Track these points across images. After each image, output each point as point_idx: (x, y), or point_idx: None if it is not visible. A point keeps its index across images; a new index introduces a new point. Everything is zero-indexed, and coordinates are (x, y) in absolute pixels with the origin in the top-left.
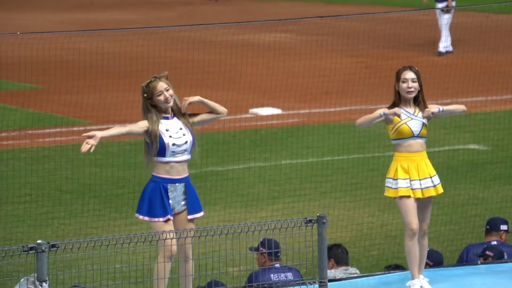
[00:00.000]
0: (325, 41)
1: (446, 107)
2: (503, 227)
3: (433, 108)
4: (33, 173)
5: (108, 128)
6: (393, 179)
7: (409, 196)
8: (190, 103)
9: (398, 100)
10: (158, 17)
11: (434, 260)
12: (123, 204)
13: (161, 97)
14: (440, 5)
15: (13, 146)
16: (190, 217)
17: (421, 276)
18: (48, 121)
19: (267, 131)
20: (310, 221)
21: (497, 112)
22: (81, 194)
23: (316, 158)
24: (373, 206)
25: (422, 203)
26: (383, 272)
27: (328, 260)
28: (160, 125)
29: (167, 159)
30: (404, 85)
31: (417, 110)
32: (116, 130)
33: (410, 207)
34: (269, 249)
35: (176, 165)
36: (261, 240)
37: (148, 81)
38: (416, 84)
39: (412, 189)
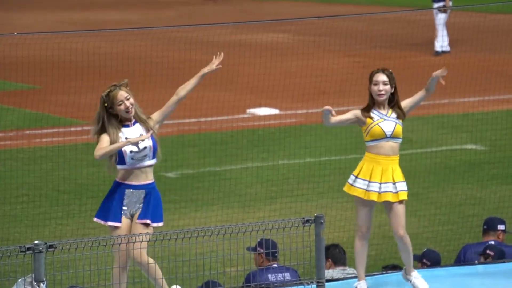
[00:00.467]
0: (323, 41)
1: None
2: (501, 227)
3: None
4: (31, 173)
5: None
6: (355, 177)
7: (362, 199)
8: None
9: (371, 102)
10: (156, 17)
11: (432, 260)
12: None
13: (122, 107)
14: (437, 5)
15: (11, 146)
16: (138, 221)
17: (414, 273)
18: (46, 122)
19: (265, 131)
20: (307, 221)
21: (495, 112)
22: (78, 195)
23: (313, 158)
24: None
25: (393, 209)
26: (380, 272)
27: (325, 260)
28: (120, 134)
29: (127, 166)
30: (375, 87)
31: (390, 111)
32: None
33: (364, 209)
34: (267, 249)
35: (136, 172)
36: (259, 240)
37: (108, 90)
38: (387, 87)
39: (368, 191)
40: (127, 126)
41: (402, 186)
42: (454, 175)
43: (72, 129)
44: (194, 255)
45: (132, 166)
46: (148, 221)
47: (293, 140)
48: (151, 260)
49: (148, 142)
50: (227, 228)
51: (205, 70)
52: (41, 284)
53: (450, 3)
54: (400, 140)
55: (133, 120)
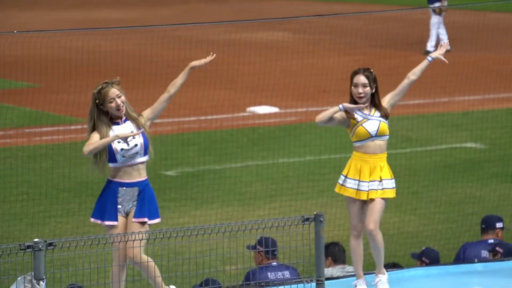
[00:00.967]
0: (323, 39)
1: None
2: (499, 224)
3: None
4: (30, 171)
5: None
6: (344, 177)
7: (354, 199)
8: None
9: (353, 103)
10: (156, 15)
11: (431, 258)
12: None
13: (113, 104)
14: (432, 6)
15: (10, 144)
16: (134, 220)
17: (381, 276)
18: (45, 120)
19: (265, 130)
20: (307, 219)
21: (494, 110)
22: (78, 193)
23: (313, 157)
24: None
25: (371, 204)
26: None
27: (325, 258)
28: (110, 132)
29: (118, 164)
30: (355, 90)
31: (374, 110)
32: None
33: (356, 209)
34: (266, 248)
35: (128, 169)
36: (258, 238)
37: (100, 87)
38: (367, 89)
39: (359, 190)
40: (118, 124)
41: (388, 183)
42: (453, 173)
43: (72, 127)
44: (194, 253)
45: (124, 164)
46: (145, 219)
47: (293, 138)
48: (148, 259)
49: (139, 140)
50: (227, 226)
51: (194, 63)
52: (41, 282)
53: (446, 3)
54: (387, 137)
55: (124, 118)
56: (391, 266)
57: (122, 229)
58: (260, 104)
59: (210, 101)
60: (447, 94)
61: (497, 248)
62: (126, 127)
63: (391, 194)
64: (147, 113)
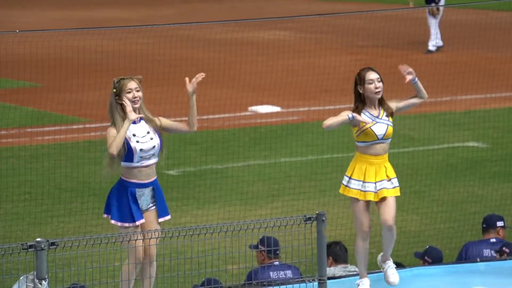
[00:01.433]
0: (324, 39)
1: (418, 82)
2: (499, 223)
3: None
4: (32, 171)
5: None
6: (349, 178)
7: (359, 199)
8: (187, 87)
9: (361, 104)
10: (157, 15)
11: (434, 257)
12: None
13: (130, 95)
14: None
15: (12, 144)
16: (160, 220)
17: (389, 262)
18: (47, 119)
19: (266, 129)
20: (309, 218)
21: (497, 109)
22: (80, 192)
23: (315, 156)
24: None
25: (385, 201)
26: (376, 271)
27: (327, 258)
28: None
29: (135, 164)
30: (371, 86)
31: (382, 111)
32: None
33: (362, 209)
34: (268, 247)
35: (144, 169)
36: (260, 238)
37: (121, 78)
38: (381, 84)
39: (364, 191)
40: (134, 122)
41: (396, 182)
42: (456, 172)
43: (74, 126)
44: (195, 253)
45: (138, 164)
46: (168, 217)
47: (295, 138)
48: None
49: (156, 141)
50: (229, 225)
51: (189, 89)
52: (43, 282)
53: (442, 1)
54: (390, 139)
55: (139, 118)
56: None
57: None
58: (262, 103)
59: (212, 100)
60: (449, 93)
61: (504, 248)
62: (141, 127)
63: (399, 192)
64: (165, 121)
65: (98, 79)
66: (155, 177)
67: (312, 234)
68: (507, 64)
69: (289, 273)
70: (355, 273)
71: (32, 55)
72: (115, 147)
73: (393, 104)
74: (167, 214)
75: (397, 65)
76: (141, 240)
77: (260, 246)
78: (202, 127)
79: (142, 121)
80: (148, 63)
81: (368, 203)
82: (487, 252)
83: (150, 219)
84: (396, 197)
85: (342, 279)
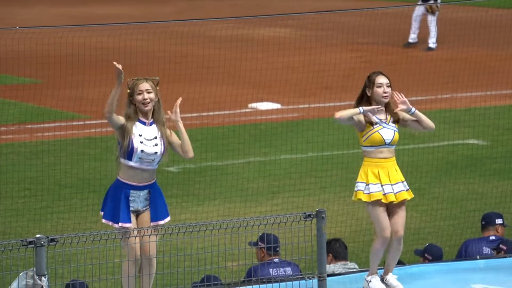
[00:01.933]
0: (325, 35)
1: (417, 112)
2: (498, 220)
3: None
4: (32, 167)
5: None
6: (365, 183)
7: (381, 202)
8: (170, 116)
9: (368, 104)
10: (158, 11)
11: (434, 255)
12: None
13: (140, 97)
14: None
15: (12, 140)
16: (152, 224)
17: (391, 274)
18: (47, 116)
19: (267, 126)
20: (309, 215)
21: (497, 107)
22: (80, 189)
23: (315, 153)
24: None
25: (396, 209)
26: (382, 267)
27: (327, 255)
28: (134, 127)
29: (132, 163)
30: (380, 90)
31: (389, 117)
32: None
33: (383, 213)
34: (268, 244)
35: (140, 172)
36: (260, 235)
37: (136, 78)
38: (390, 89)
39: (384, 193)
40: (144, 123)
41: (407, 185)
42: (456, 170)
43: (74, 123)
44: (195, 250)
45: (136, 165)
46: (161, 222)
47: (295, 135)
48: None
49: (160, 148)
50: (229, 222)
51: (174, 118)
52: (43, 278)
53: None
54: (396, 145)
55: (151, 121)
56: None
57: (135, 226)
58: (262, 100)
59: (212, 97)
60: (449, 91)
61: (501, 246)
62: (150, 130)
63: (412, 194)
64: (174, 136)
65: (98, 76)
66: (153, 181)
67: (312, 231)
68: (507, 61)
69: (289, 270)
70: (355, 270)
71: (32, 52)
72: (107, 108)
73: (401, 114)
74: (161, 219)
75: (396, 61)
76: (135, 239)
77: (259, 243)
78: (202, 123)
79: (154, 125)
80: (148, 60)
81: (386, 207)
82: (486, 249)
83: (145, 219)
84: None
85: (342, 276)
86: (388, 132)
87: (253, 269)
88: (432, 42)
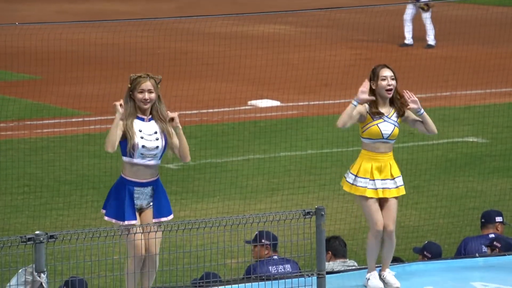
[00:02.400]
0: (324, 33)
1: (425, 114)
2: (498, 218)
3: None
4: (32, 164)
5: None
6: (354, 175)
7: (367, 197)
8: (170, 118)
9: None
10: (157, 8)
11: (433, 253)
12: None
13: (140, 95)
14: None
15: (12, 136)
16: (155, 220)
17: (388, 270)
18: (47, 112)
19: (266, 123)
20: (308, 213)
21: (496, 105)
22: (79, 185)
23: (315, 150)
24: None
25: (387, 203)
26: (381, 265)
27: (326, 252)
28: (134, 123)
29: (135, 160)
30: (384, 83)
31: (392, 111)
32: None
33: (373, 207)
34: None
35: (143, 169)
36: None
37: (139, 75)
38: (394, 82)
39: (371, 189)
40: (142, 119)
41: (400, 181)
42: (455, 167)
43: (73, 119)
44: (194, 247)
45: (138, 162)
46: (164, 219)
47: (294, 132)
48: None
49: (161, 142)
50: (228, 219)
51: (178, 126)
52: (42, 275)
53: None
54: (395, 140)
55: (149, 117)
56: (392, 260)
57: (140, 221)
58: (261, 97)
59: (211, 94)
60: (448, 88)
61: (495, 243)
62: (150, 125)
63: (404, 191)
64: (175, 138)
65: (97, 72)
66: (156, 178)
67: (311, 228)
68: (507, 59)
69: (288, 267)
70: (354, 267)
71: (32, 48)
72: (108, 144)
73: (407, 112)
74: (164, 216)
75: (396, 59)
76: (141, 236)
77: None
78: (202, 120)
79: (152, 121)
80: (148, 56)
81: (377, 200)
82: (486, 247)
83: (147, 217)
84: (398, 197)
85: (341, 273)
86: (387, 126)
87: (252, 266)
88: (431, 39)
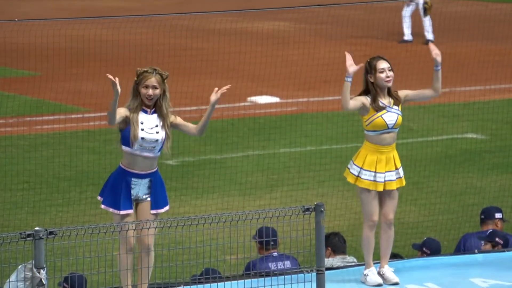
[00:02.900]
0: (324, 29)
1: (440, 72)
2: (498, 215)
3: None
4: (31, 160)
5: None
6: (359, 167)
7: (369, 189)
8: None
9: (374, 91)
10: (157, 4)
11: (432, 249)
12: None
13: (144, 91)
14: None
15: (11, 133)
16: (152, 212)
17: (387, 266)
18: (46, 108)
19: (265, 120)
20: (307, 209)
21: (495, 101)
22: (79, 182)
23: (314, 147)
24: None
25: (388, 194)
26: (378, 261)
27: (325, 248)
28: (138, 116)
29: (134, 151)
30: (383, 75)
31: (392, 101)
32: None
33: (371, 199)
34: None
35: (141, 159)
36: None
37: (146, 69)
38: (392, 73)
39: (375, 181)
40: (146, 112)
41: (401, 172)
42: (454, 164)
43: (73, 116)
44: (194, 243)
45: (137, 152)
46: (161, 210)
47: (293, 128)
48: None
49: (161, 135)
50: (227, 216)
51: (212, 99)
52: (41, 271)
53: None
54: (399, 128)
55: (153, 109)
56: (391, 256)
57: (133, 216)
58: (261, 94)
59: (211, 90)
60: (448, 85)
61: (497, 239)
62: (151, 118)
63: (404, 181)
64: (179, 120)
65: (97, 69)
66: (154, 170)
67: (311, 224)
68: (506, 55)
69: (287, 264)
70: (353, 264)
71: (31, 44)
72: (110, 118)
73: (403, 93)
74: (161, 207)
75: (396, 55)
76: (132, 229)
77: (257, 237)
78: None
79: (155, 114)
80: (147, 53)
81: (377, 193)
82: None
83: (143, 209)
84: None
85: (341, 270)
86: (391, 116)
87: (251, 263)
88: (430, 35)
